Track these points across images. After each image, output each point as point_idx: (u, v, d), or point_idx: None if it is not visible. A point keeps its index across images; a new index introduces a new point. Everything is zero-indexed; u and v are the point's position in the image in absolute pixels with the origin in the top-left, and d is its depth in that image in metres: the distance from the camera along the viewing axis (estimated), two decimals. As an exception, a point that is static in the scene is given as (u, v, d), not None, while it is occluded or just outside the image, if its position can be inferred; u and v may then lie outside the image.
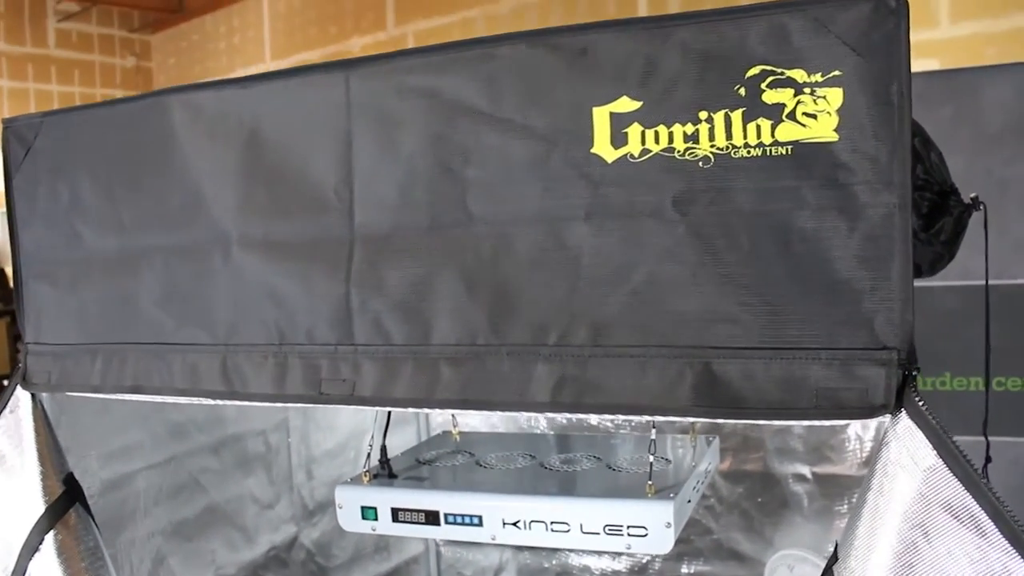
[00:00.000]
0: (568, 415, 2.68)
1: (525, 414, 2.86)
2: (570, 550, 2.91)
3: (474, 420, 2.83)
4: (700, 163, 1.20)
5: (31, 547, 1.69)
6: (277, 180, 1.44)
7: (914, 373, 1.13)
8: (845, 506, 2.60)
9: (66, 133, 1.66)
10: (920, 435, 1.10)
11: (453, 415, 2.44)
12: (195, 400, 1.54)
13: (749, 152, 1.18)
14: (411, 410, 1.40)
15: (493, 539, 1.84)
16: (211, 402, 1.52)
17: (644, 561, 2.84)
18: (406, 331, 1.35)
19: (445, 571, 3.05)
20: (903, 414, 1.12)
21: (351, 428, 2.67)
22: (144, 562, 2.00)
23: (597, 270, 1.25)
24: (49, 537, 1.69)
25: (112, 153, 1.60)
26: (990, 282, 1.67)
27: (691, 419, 1.26)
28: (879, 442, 1.16)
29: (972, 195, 1.58)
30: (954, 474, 1.07)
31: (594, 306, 1.25)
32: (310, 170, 1.41)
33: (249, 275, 1.46)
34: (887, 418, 1.15)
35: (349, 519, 1.96)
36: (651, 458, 1.83)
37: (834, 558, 1.19)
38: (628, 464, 2.05)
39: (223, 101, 1.49)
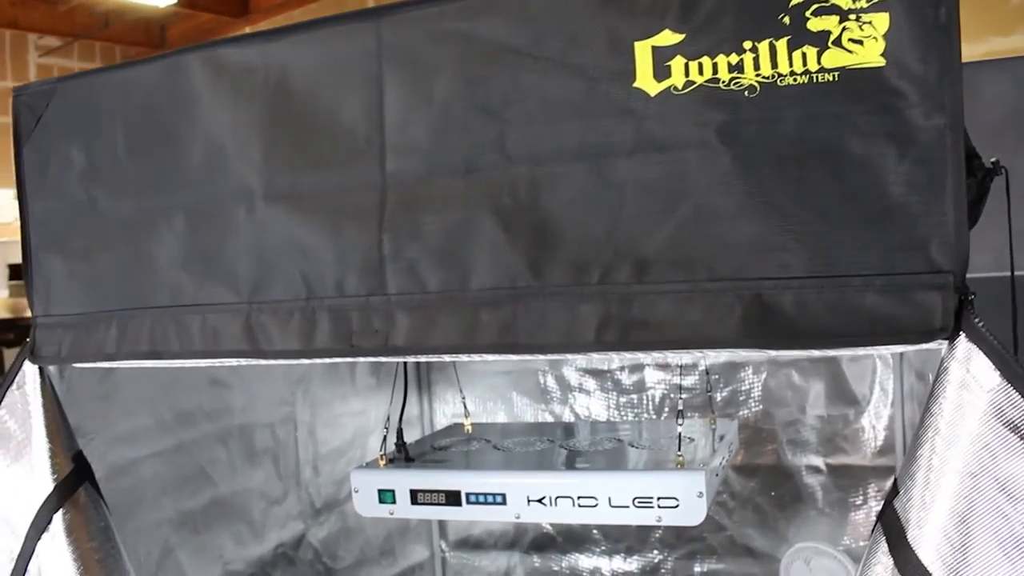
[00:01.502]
0: (578, 412, 2.64)
1: (533, 409, 2.82)
2: (580, 552, 2.85)
3: (481, 416, 2.78)
4: (745, 93, 1.18)
5: (39, 526, 1.62)
6: (305, 131, 1.41)
7: (971, 297, 1.11)
8: (860, 498, 2.57)
9: (80, 98, 1.62)
10: (982, 357, 1.07)
11: (465, 407, 2.39)
12: (216, 361, 1.48)
13: (795, 80, 1.16)
14: (445, 358, 1.35)
15: (517, 518, 1.79)
16: (234, 362, 1.47)
17: (656, 560, 2.78)
18: (442, 277, 1.31)
19: (450, 578, 2.98)
20: (962, 337, 1.10)
21: (356, 427, 2.61)
22: (152, 553, 1.92)
23: (641, 205, 1.23)
24: (58, 516, 1.62)
25: (129, 115, 1.56)
26: (993, 274, 1.66)
27: (741, 351, 1.22)
28: (938, 369, 1.13)
29: (992, 159, 1.58)
30: (1020, 393, 1.04)
31: (638, 242, 1.23)
32: (339, 119, 1.38)
33: (274, 229, 1.42)
34: (944, 344, 1.12)
35: (365, 503, 1.90)
36: (679, 428, 1.79)
37: (893, 492, 1.15)
38: (650, 443, 2.01)
39: (247, 56, 1.46)
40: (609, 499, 1.70)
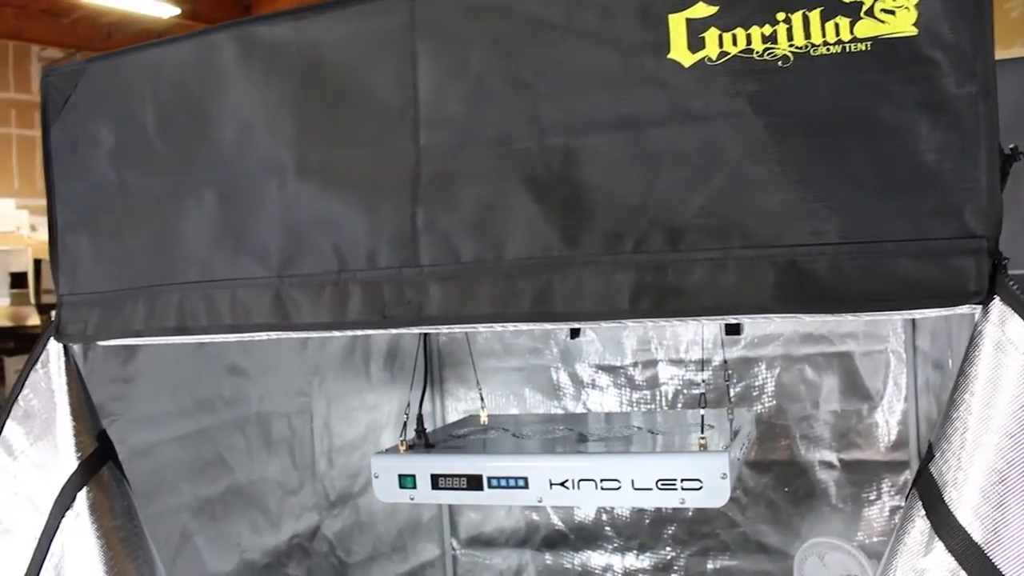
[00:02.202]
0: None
1: (546, 405, 2.82)
2: (592, 549, 2.84)
3: (494, 412, 2.78)
4: (779, 63, 1.20)
5: (63, 504, 1.61)
6: (338, 106, 1.42)
7: (1004, 261, 1.12)
8: (874, 493, 2.57)
9: (109, 78, 1.63)
10: (1017, 320, 1.09)
11: (481, 397, 2.39)
12: (245, 336, 1.49)
13: (828, 50, 1.18)
14: (480, 330, 1.35)
15: (539, 501, 1.79)
16: (263, 336, 1.47)
17: (669, 558, 2.77)
18: (476, 248, 1.32)
19: (462, 575, 2.96)
20: (996, 301, 1.11)
21: (370, 421, 2.62)
22: (170, 538, 1.92)
23: (675, 175, 1.24)
24: (82, 494, 1.61)
25: (159, 94, 1.58)
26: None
27: (775, 316, 1.23)
28: (972, 333, 1.14)
29: (1011, 145, 1.60)
30: (1056, 353, 1.05)
31: (672, 210, 1.24)
32: (373, 94, 1.40)
33: (306, 203, 1.43)
34: (977, 309, 1.13)
35: (386, 489, 1.90)
36: (702, 412, 1.80)
37: (928, 456, 1.16)
38: (669, 430, 2.02)
39: (279, 33, 1.47)
40: (632, 482, 1.70)
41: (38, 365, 1.69)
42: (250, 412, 2.17)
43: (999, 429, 1.07)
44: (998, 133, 1.14)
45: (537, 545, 2.90)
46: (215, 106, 1.51)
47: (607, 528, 2.82)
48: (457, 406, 2.92)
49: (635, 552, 2.80)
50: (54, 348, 1.67)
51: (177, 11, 8.91)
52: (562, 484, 1.74)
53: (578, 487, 1.73)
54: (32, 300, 7.80)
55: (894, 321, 2.51)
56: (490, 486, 1.80)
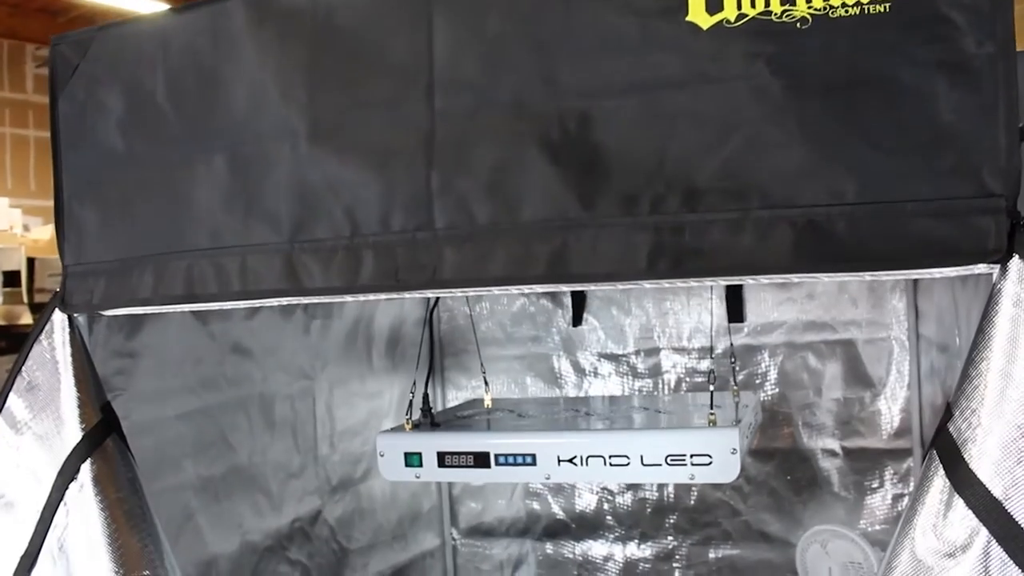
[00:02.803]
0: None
1: (548, 394, 2.82)
2: (593, 539, 2.83)
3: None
4: (798, 24, 1.20)
5: (67, 476, 1.59)
6: (352, 70, 1.41)
7: (1022, 220, 1.12)
8: (876, 481, 2.57)
9: (119, 47, 1.63)
10: (1036, 277, 1.09)
11: (485, 380, 2.38)
12: (255, 302, 1.48)
13: (847, 12, 1.18)
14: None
15: (547, 478, 1.78)
16: (274, 302, 1.46)
17: (670, 547, 2.76)
18: (492, 211, 1.32)
19: (462, 566, 2.94)
20: (1015, 259, 1.11)
21: (371, 408, 2.60)
22: (173, 517, 1.89)
23: (692, 137, 1.24)
24: (86, 466, 1.59)
25: (170, 62, 1.57)
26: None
27: (794, 276, 1.23)
28: (990, 292, 1.14)
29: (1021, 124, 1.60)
30: (1077, 309, 1.05)
31: (689, 172, 1.23)
32: (387, 58, 1.39)
33: (318, 168, 1.42)
34: (995, 267, 1.13)
35: (391, 467, 1.89)
36: (711, 388, 1.79)
37: (947, 416, 1.16)
38: (676, 409, 2.01)
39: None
40: (641, 457, 1.69)
41: (42, 336, 1.68)
42: (253, 392, 2.15)
43: (1020, 384, 1.07)
44: (1017, 92, 1.14)
45: (538, 535, 2.89)
46: (227, 72, 1.51)
47: (608, 517, 2.81)
48: (458, 395, 2.91)
49: (636, 541, 2.79)
50: (59, 319, 1.66)
51: (173, 11, 8.89)
52: (570, 461, 1.73)
53: (586, 464, 1.73)
54: (25, 299, 7.75)
55: (897, 309, 2.51)
56: (497, 463, 1.79)
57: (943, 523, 1.11)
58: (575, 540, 2.85)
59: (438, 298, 2.47)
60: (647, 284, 1.28)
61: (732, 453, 1.65)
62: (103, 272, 1.61)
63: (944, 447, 1.14)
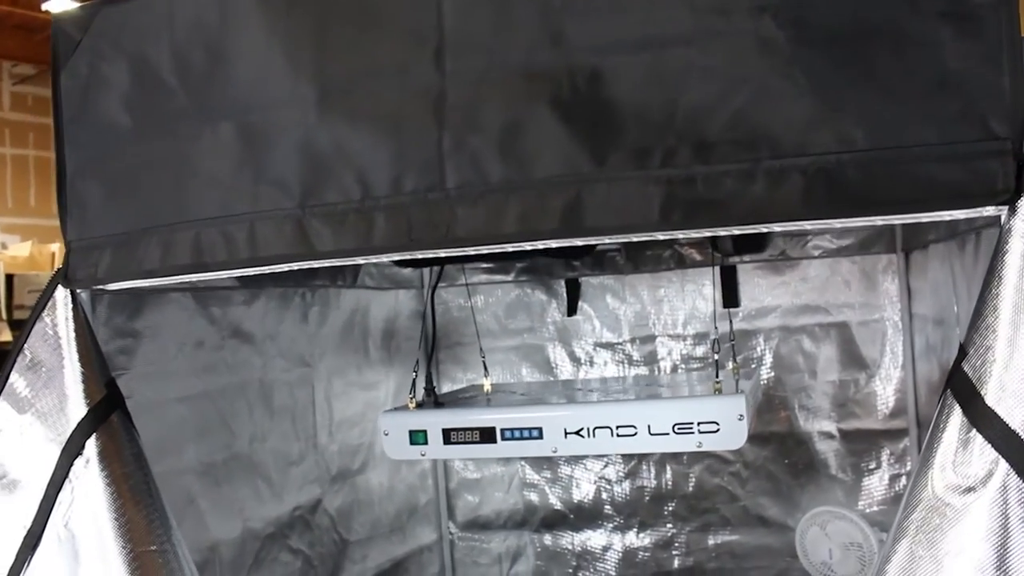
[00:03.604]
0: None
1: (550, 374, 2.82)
2: (592, 528, 2.82)
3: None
4: None
5: (72, 451, 1.58)
6: (360, 35, 1.42)
7: (1030, 164, 1.15)
8: (873, 462, 2.59)
9: (123, 21, 1.62)
10: (1044, 214, 1.11)
11: (484, 366, 2.38)
12: (266, 269, 1.47)
13: (851, -38, 1.21)
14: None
15: (554, 451, 1.78)
16: (284, 267, 1.46)
17: (669, 535, 2.76)
18: (504, 169, 1.33)
19: (460, 559, 2.93)
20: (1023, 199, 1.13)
21: (368, 399, 2.59)
22: (175, 501, 1.86)
23: (701, 90, 1.26)
24: (91, 441, 1.58)
25: (176, 34, 1.56)
26: None
27: (806, 223, 1.24)
28: (1000, 233, 1.16)
29: None
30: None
31: (699, 125, 1.25)
32: (397, 22, 1.40)
33: (328, 133, 1.43)
34: (1004, 209, 1.16)
35: (396, 446, 1.88)
36: (715, 356, 1.80)
37: (961, 355, 1.17)
38: (678, 385, 2.02)
39: None
40: (648, 427, 1.70)
41: (44, 314, 1.66)
42: (253, 378, 2.14)
43: (1036, 317, 1.09)
44: (1020, 38, 1.17)
45: (536, 527, 2.88)
46: (234, 43, 1.51)
47: (607, 507, 2.81)
48: (454, 387, 2.89)
49: (635, 530, 2.78)
50: (61, 295, 1.64)
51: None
52: (577, 433, 1.74)
53: (593, 435, 1.73)
54: (4, 316, 7.66)
55: (889, 290, 2.54)
56: (503, 438, 1.79)
57: (961, 459, 1.13)
58: (573, 531, 2.84)
59: (439, 276, 2.47)
60: (660, 236, 1.29)
61: (739, 419, 1.66)
62: (108, 245, 1.60)
63: (959, 386, 1.16)
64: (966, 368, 1.15)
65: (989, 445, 1.10)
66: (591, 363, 2.79)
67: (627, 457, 2.75)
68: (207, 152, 1.52)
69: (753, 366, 2.60)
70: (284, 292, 2.26)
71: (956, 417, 1.15)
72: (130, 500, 1.58)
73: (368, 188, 1.40)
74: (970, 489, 1.11)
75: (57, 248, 8.07)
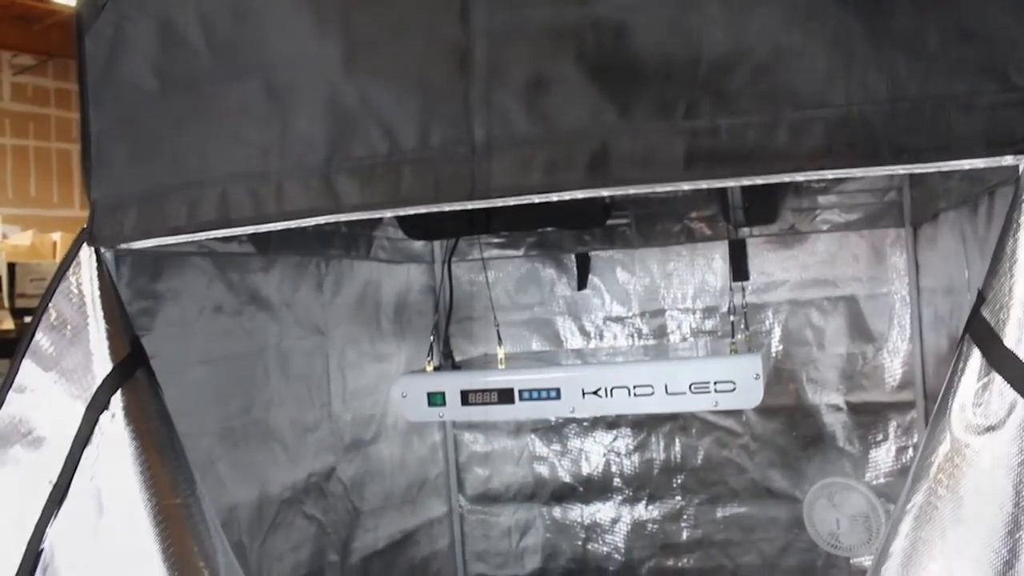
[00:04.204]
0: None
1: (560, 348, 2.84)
2: (601, 501, 2.85)
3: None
4: None
5: (98, 406, 1.59)
6: None
7: (1049, 112, 1.17)
8: (881, 434, 2.61)
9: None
10: (1062, 162, 1.13)
11: (499, 335, 2.39)
12: (292, 223, 1.49)
13: (872, -86, 1.23)
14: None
15: (572, 411, 1.81)
16: (312, 222, 1.48)
17: (678, 507, 2.79)
18: (530, 122, 1.35)
19: (469, 533, 2.95)
20: (1045, 148, 1.16)
21: (380, 371, 2.61)
22: (195, 463, 1.88)
23: (723, 44, 1.28)
24: (117, 396, 1.60)
25: (203, -6, 1.59)
26: None
27: (828, 172, 1.27)
28: (1017, 183, 1.19)
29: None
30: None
31: (721, 78, 1.27)
32: None
33: (355, 90, 1.44)
34: (1021, 159, 1.18)
35: (414, 408, 1.91)
36: (732, 318, 1.83)
37: (979, 301, 1.20)
38: (692, 353, 2.04)
39: None
40: (665, 387, 1.72)
41: (69, 273, 1.68)
42: (270, 344, 2.16)
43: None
44: (1041, -10, 1.19)
45: (545, 499, 2.91)
46: (261, 2, 1.53)
47: (616, 479, 2.83)
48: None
49: (644, 503, 2.81)
50: (85, 254, 1.66)
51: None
52: (595, 393, 1.76)
53: (611, 395, 1.75)
54: (6, 304, 7.67)
55: (897, 264, 2.57)
56: (521, 399, 1.81)
57: (980, 401, 1.15)
58: (583, 503, 2.87)
59: (455, 246, 2.49)
60: (686, 186, 1.32)
61: (755, 379, 1.69)
62: (133, 203, 1.62)
63: (978, 330, 1.18)
64: (984, 312, 1.18)
65: (1008, 386, 1.13)
66: (601, 337, 2.82)
67: (636, 430, 2.78)
68: (233, 110, 1.54)
69: (762, 339, 2.62)
70: (300, 261, 2.28)
71: (975, 360, 1.17)
72: (155, 454, 1.60)
73: (395, 142, 1.42)
74: (989, 429, 1.14)
75: (59, 237, 8.07)
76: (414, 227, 2.40)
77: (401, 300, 2.74)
